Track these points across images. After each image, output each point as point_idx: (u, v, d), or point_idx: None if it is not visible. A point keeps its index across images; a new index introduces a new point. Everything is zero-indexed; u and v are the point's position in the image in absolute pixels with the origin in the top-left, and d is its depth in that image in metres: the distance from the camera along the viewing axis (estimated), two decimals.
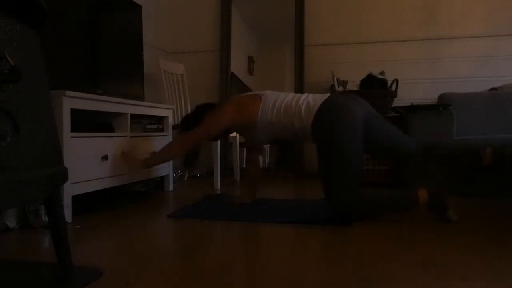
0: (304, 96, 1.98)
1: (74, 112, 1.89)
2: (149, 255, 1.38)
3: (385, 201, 1.88)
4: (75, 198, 1.93)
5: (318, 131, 1.87)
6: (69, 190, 1.86)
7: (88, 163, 2.00)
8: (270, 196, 2.54)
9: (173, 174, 3.03)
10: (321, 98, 1.93)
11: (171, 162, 2.87)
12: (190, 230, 1.75)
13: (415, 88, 3.48)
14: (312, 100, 1.93)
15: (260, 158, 3.68)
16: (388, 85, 3.21)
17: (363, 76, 3.25)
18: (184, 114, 3.43)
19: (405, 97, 3.35)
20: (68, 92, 1.83)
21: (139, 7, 2.83)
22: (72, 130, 1.88)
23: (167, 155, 2.19)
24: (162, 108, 2.77)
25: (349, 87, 3.30)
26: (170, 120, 2.87)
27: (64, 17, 2.09)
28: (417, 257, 1.34)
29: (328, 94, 1.96)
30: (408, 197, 1.85)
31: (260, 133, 2.04)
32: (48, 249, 1.49)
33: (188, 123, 2.22)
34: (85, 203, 2.11)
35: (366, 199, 1.85)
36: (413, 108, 2.82)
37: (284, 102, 1.97)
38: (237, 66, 3.85)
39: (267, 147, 3.71)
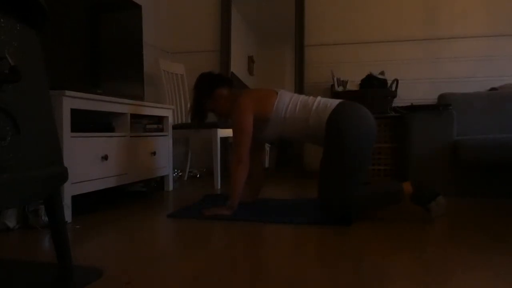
0: (319, 97, 2.03)
1: (74, 112, 1.89)
2: (149, 255, 1.38)
3: (372, 196, 1.93)
4: (75, 198, 1.93)
5: (333, 125, 1.88)
6: (69, 190, 1.86)
7: (88, 163, 2.00)
8: (270, 196, 2.54)
9: (173, 174, 3.03)
10: (337, 100, 1.99)
11: (171, 162, 2.87)
12: (190, 230, 1.75)
13: (415, 88, 3.47)
14: (329, 100, 1.99)
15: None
16: (388, 85, 3.21)
17: (363, 76, 3.25)
18: (184, 114, 3.43)
19: (405, 97, 3.35)
20: (68, 92, 1.83)
21: (139, 7, 2.83)
22: (72, 130, 1.88)
23: (237, 185, 1.99)
24: (162, 108, 2.77)
25: (349, 87, 3.30)
26: (170, 120, 2.87)
27: (64, 17, 2.09)
28: (417, 257, 1.34)
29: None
30: (393, 190, 1.91)
31: (270, 129, 2.04)
32: (48, 249, 1.48)
33: (197, 110, 2.23)
34: (85, 203, 2.11)
35: (356, 196, 1.89)
36: (413, 108, 2.81)
37: (301, 97, 2.03)
38: (237, 66, 3.85)
39: (267, 147, 3.71)
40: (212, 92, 2.18)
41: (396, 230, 1.72)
